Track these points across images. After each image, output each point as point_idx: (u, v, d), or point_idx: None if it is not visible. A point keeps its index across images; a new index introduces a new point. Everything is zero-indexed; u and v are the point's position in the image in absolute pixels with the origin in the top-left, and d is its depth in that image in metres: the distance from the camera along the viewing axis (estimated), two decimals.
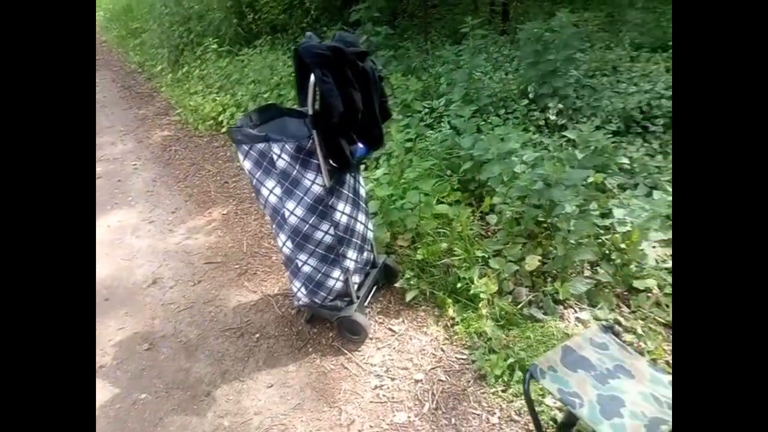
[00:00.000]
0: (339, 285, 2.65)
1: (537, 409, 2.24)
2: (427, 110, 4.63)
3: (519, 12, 6.73)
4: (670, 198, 2.88)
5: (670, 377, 1.69)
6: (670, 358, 2.44)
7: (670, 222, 3.05)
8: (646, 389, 1.63)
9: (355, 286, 2.79)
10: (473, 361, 2.57)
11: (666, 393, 1.62)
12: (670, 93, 4.47)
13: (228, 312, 3.23)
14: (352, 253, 2.64)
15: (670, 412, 1.54)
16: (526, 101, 4.43)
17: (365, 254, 2.84)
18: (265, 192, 2.40)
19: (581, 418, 1.57)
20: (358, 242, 2.69)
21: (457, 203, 3.47)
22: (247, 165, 2.38)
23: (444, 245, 3.08)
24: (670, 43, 4.99)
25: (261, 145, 2.28)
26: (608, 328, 1.85)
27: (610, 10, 5.96)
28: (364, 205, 2.70)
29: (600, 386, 1.65)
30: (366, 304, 2.97)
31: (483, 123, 3.80)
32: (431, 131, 4.23)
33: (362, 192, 2.70)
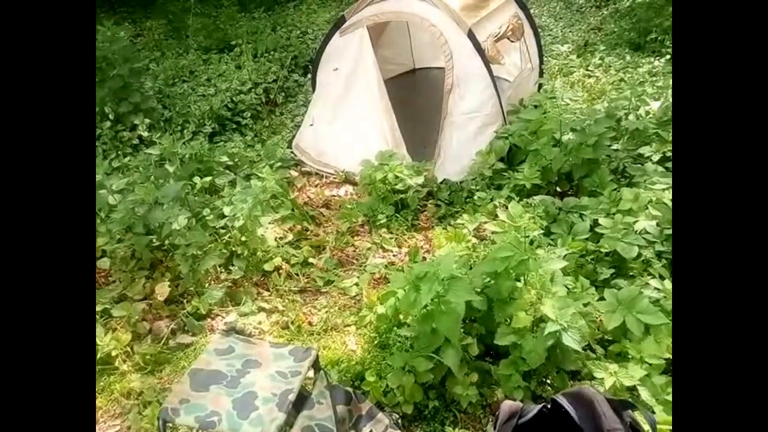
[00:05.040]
0: None
1: None
2: None
3: None
4: (264, 182, 3.18)
5: (289, 347, 1.89)
6: (310, 319, 2.77)
7: (273, 203, 3.40)
8: (272, 369, 1.77)
9: None
10: (129, 427, 2.26)
11: (288, 363, 1.80)
12: (248, 87, 4.92)
13: None
14: None
15: (294, 379, 1.72)
16: (108, 123, 4.04)
17: None
18: None
19: None
20: None
21: None
22: None
23: None
24: (233, 43, 5.44)
25: None
26: (229, 331, 1.91)
27: (171, 17, 6.02)
28: None
29: (234, 391, 1.68)
30: None
31: None
32: None
33: None
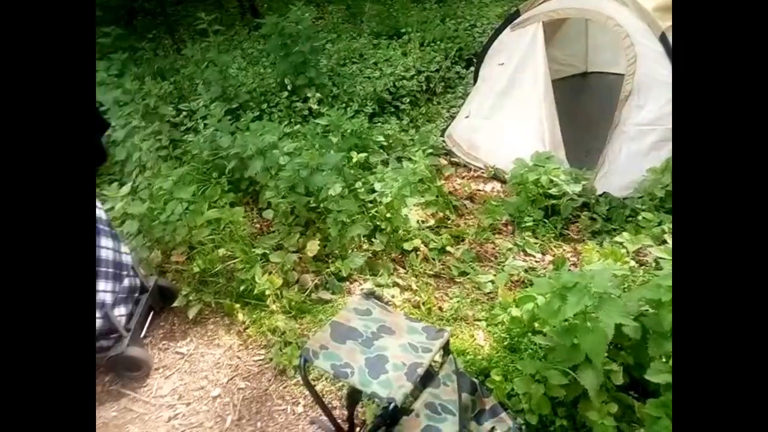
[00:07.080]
0: (96, 323, 2.29)
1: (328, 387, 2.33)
2: (185, 113, 4.30)
3: (265, 7, 6.77)
4: (415, 165, 3.25)
5: (423, 324, 1.91)
6: (441, 305, 2.79)
7: (420, 187, 3.46)
8: (405, 340, 1.81)
9: (123, 319, 2.45)
10: (271, 359, 2.52)
11: (420, 339, 1.82)
12: (410, 74, 5.07)
13: None
14: (104, 284, 2.30)
15: (424, 354, 1.74)
16: (286, 93, 4.48)
17: (126, 281, 2.50)
18: None
19: (354, 385, 1.66)
20: (110, 270, 2.35)
21: (232, 205, 3.32)
22: None
23: (222, 251, 2.92)
24: (402, 30, 5.64)
25: None
26: (369, 295, 2.00)
27: (350, 3, 6.45)
28: (107, 228, 2.36)
29: (367, 350, 1.76)
30: (143, 334, 2.64)
31: (240, 120, 3.70)
32: (192, 135, 3.94)
33: (101, 214, 2.35)
